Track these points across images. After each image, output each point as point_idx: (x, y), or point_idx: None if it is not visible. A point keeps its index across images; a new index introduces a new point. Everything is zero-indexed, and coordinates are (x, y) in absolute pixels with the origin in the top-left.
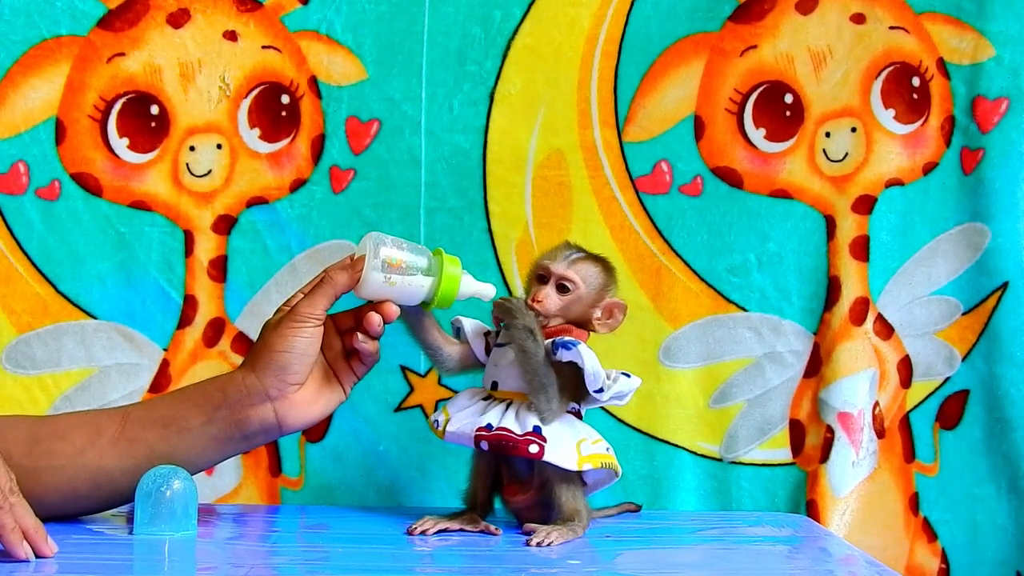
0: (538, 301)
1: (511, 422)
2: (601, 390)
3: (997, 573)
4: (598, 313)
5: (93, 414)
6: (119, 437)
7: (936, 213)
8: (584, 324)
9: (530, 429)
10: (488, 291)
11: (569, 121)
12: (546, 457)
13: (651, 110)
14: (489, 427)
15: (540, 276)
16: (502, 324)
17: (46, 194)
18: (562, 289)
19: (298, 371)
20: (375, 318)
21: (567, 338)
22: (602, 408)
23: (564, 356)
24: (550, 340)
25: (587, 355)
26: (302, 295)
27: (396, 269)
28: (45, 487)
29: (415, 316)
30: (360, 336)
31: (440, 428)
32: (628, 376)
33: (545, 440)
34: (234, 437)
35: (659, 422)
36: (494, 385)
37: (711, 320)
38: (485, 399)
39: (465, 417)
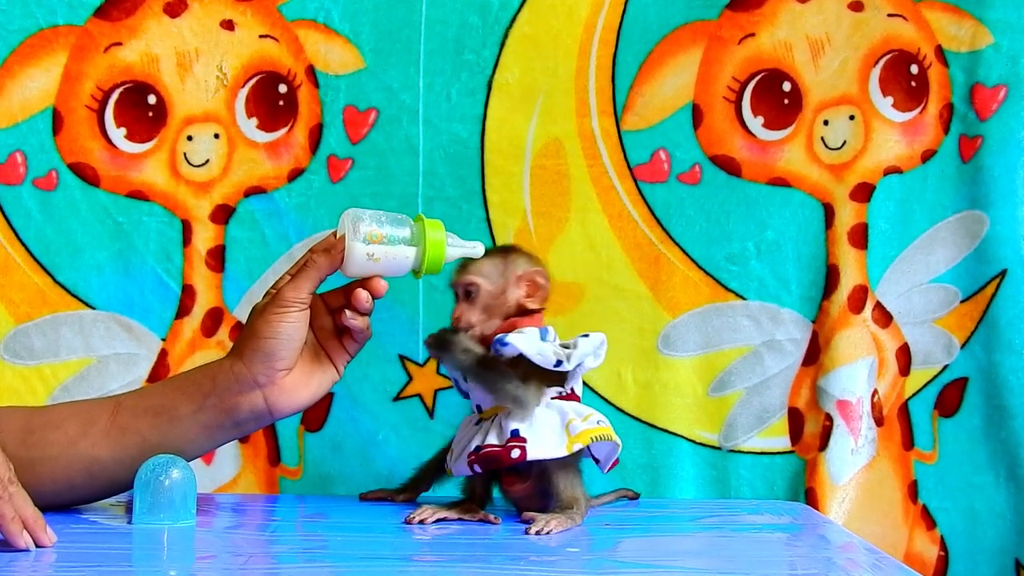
0: (456, 319)
1: (493, 437)
2: (560, 362)
3: (995, 560)
4: (521, 292)
5: (86, 404)
6: (111, 426)
7: (934, 201)
8: (523, 311)
9: (508, 436)
10: (477, 250)
11: (567, 110)
12: (530, 456)
13: (649, 98)
14: (477, 449)
15: (455, 294)
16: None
17: (44, 184)
18: (468, 295)
19: (285, 357)
20: (362, 294)
21: (498, 336)
22: (599, 397)
23: (507, 353)
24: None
25: (524, 342)
26: (289, 276)
27: (378, 243)
28: (40, 478)
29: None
30: (348, 313)
31: (449, 466)
32: (586, 336)
33: (524, 440)
34: (225, 425)
35: (658, 411)
36: (479, 408)
37: (710, 308)
38: (477, 423)
39: (462, 448)
